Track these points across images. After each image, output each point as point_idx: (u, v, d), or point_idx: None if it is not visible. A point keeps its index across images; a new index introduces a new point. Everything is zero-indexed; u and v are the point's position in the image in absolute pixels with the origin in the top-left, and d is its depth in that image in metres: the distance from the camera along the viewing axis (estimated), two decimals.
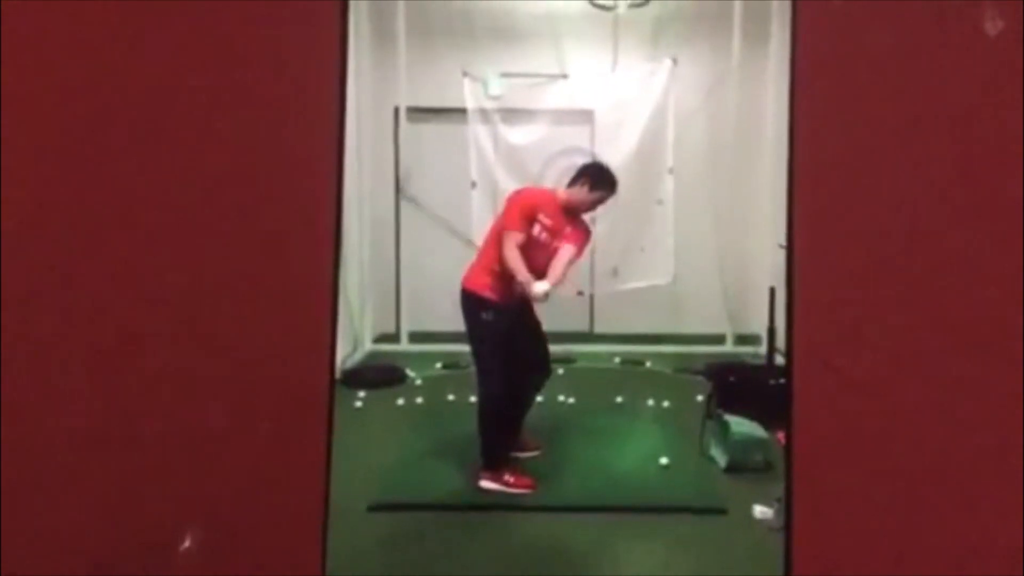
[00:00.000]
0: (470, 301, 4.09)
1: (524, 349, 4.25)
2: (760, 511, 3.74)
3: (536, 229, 4.05)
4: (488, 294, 4.04)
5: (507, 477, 4.10)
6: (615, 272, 7.06)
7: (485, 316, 4.04)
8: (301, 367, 2.04)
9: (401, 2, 6.70)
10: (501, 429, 4.20)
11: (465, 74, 6.56)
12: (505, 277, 4.03)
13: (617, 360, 6.75)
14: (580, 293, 6.73)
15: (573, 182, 4.25)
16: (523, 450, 4.45)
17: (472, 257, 4.33)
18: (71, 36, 1.46)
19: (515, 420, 4.36)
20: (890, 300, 1.93)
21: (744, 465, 4.28)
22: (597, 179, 4.21)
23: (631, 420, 5.25)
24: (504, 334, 4.07)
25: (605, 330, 7.43)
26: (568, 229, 4.12)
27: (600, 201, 4.27)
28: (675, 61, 6.52)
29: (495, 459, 4.14)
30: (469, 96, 6.59)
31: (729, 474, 4.28)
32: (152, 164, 1.63)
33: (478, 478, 4.12)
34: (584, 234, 4.22)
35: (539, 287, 3.89)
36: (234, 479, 1.88)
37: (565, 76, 6.88)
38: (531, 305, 4.26)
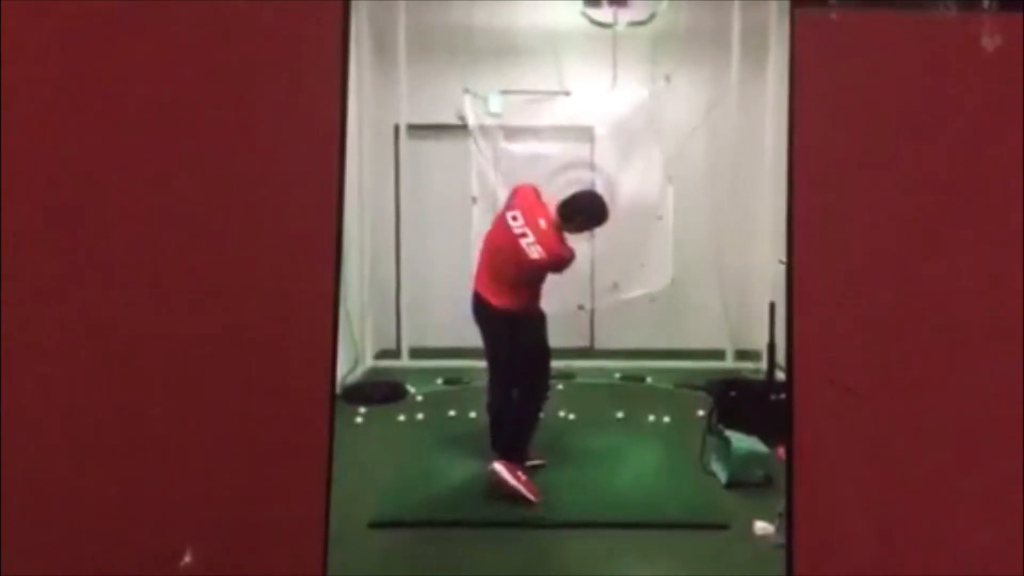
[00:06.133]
0: (502, 310, 4.24)
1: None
2: (761, 527, 3.72)
3: (510, 214, 4.16)
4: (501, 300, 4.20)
5: (520, 474, 4.14)
6: (615, 287, 7.08)
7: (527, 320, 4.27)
8: (302, 383, 2.04)
9: (402, 20, 6.72)
10: (532, 423, 4.39)
11: (466, 91, 6.58)
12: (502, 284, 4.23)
13: (617, 376, 6.73)
14: (581, 307, 6.75)
15: (559, 214, 4.24)
16: (527, 459, 4.44)
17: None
18: (73, 43, 1.47)
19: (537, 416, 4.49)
20: (890, 315, 1.93)
21: (745, 480, 4.26)
22: (569, 217, 4.22)
23: (632, 436, 5.23)
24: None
25: (605, 346, 7.42)
26: (543, 228, 4.13)
27: (583, 230, 4.39)
28: (669, 79, 6.57)
29: (516, 452, 4.23)
30: (470, 112, 6.60)
31: (730, 489, 4.26)
32: (154, 178, 1.64)
33: (491, 461, 4.19)
34: (559, 246, 4.15)
35: None
36: (235, 495, 1.88)
37: (565, 93, 6.90)
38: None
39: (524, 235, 4.08)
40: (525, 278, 4.24)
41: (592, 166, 6.73)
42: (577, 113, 6.84)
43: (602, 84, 6.90)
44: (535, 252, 4.06)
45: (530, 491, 4.10)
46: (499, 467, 4.14)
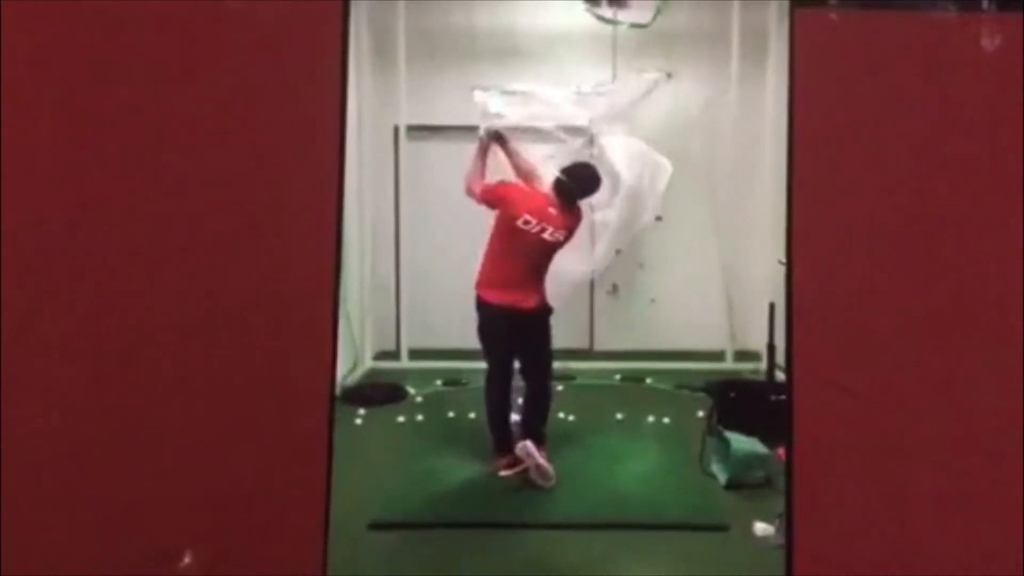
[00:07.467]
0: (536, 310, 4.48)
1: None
2: (761, 528, 3.72)
3: (520, 221, 4.33)
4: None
5: (543, 453, 4.36)
6: (615, 289, 7.09)
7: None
8: (302, 384, 2.04)
9: (401, 21, 6.72)
10: (542, 420, 4.65)
11: (484, 89, 6.56)
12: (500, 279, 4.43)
13: (617, 377, 6.73)
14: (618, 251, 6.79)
15: (557, 192, 4.49)
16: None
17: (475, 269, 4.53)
18: (73, 43, 1.47)
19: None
20: (889, 316, 1.93)
21: (745, 481, 4.26)
22: (567, 193, 4.49)
23: (632, 437, 5.23)
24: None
25: (605, 347, 7.42)
26: (554, 215, 4.40)
27: (581, 199, 4.64)
28: (670, 75, 6.54)
29: (543, 435, 4.53)
30: (481, 109, 6.59)
31: (730, 490, 4.26)
32: (154, 179, 1.64)
33: (522, 440, 4.42)
34: (573, 219, 4.51)
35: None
36: (235, 496, 1.88)
37: (566, 93, 6.90)
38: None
39: (543, 230, 4.35)
40: (547, 262, 4.50)
41: (593, 165, 6.73)
42: (578, 112, 6.84)
43: (602, 84, 6.90)
44: (560, 236, 4.40)
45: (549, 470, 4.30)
46: (530, 444, 4.34)
